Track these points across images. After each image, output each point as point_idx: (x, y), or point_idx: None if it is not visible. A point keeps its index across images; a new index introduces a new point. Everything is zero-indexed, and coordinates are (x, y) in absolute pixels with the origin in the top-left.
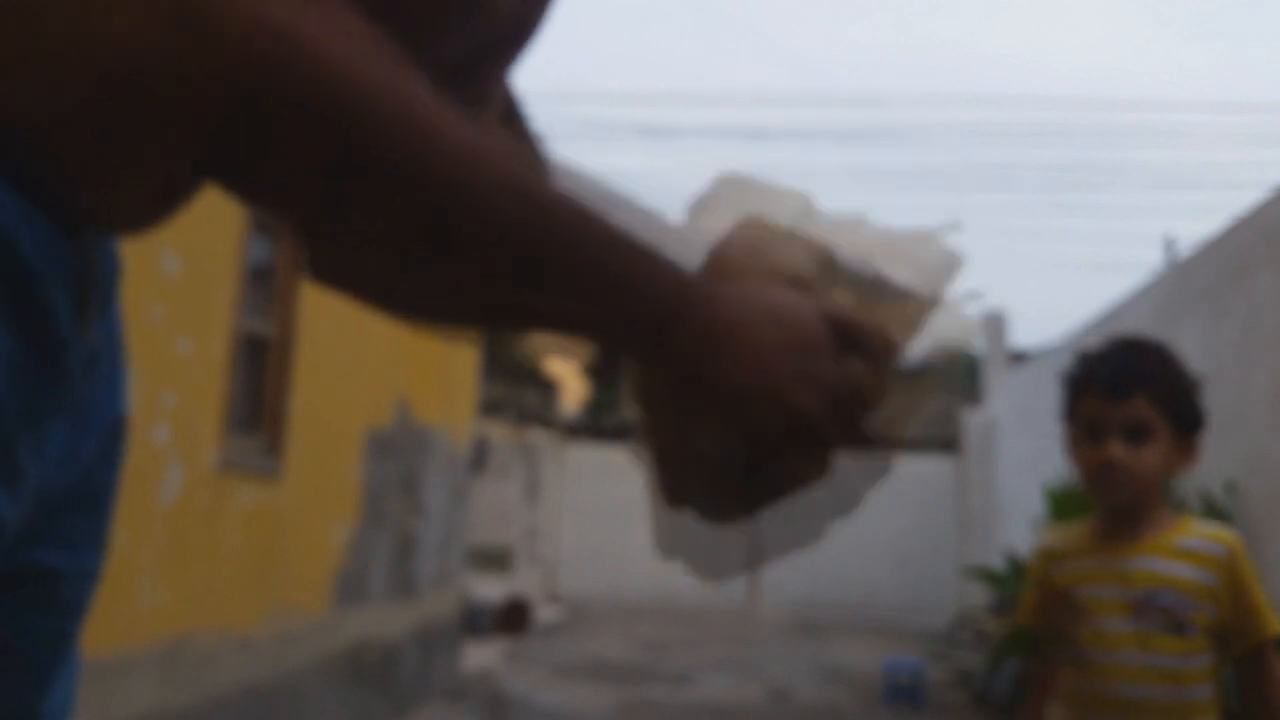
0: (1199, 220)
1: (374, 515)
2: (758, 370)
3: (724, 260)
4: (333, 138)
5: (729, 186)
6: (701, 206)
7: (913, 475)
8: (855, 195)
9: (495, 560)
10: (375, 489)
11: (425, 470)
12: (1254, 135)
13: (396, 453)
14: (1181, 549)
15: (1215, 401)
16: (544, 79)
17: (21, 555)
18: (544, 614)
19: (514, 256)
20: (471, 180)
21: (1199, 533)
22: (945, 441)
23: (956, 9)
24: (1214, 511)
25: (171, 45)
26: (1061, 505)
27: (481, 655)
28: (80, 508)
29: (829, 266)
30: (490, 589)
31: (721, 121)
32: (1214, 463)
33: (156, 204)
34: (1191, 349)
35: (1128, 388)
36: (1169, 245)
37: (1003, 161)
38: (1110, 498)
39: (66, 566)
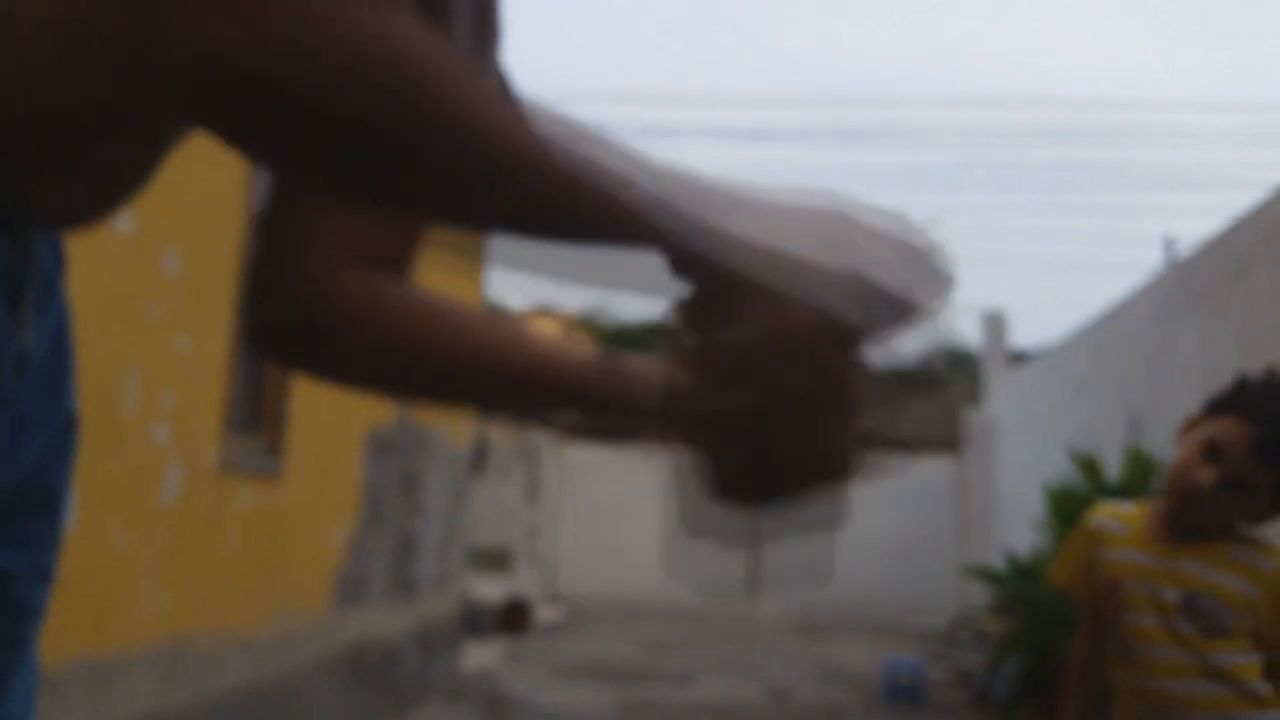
0: (1199, 220)
1: (374, 515)
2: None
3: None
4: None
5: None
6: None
7: (913, 475)
8: (855, 195)
9: (495, 560)
10: (375, 489)
11: (425, 470)
12: (1254, 135)
13: (396, 453)
14: (1231, 559)
15: None
16: (544, 79)
17: None
18: (544, 614)
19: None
20: (509, 146)
21: (1252, 545)
22: (945, 441)
23: (957, 9)
24: None
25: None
26: (1061, 505)
27: (481, 655)
28: (32, 507)
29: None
30: (490, 589)
31: (721, 121)
32: None
33: (103, 196)
34: (1191, 349)
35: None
36: (1169, 245)
37: (1003, 161)
38: (1186, 516)
39: (19, 567)
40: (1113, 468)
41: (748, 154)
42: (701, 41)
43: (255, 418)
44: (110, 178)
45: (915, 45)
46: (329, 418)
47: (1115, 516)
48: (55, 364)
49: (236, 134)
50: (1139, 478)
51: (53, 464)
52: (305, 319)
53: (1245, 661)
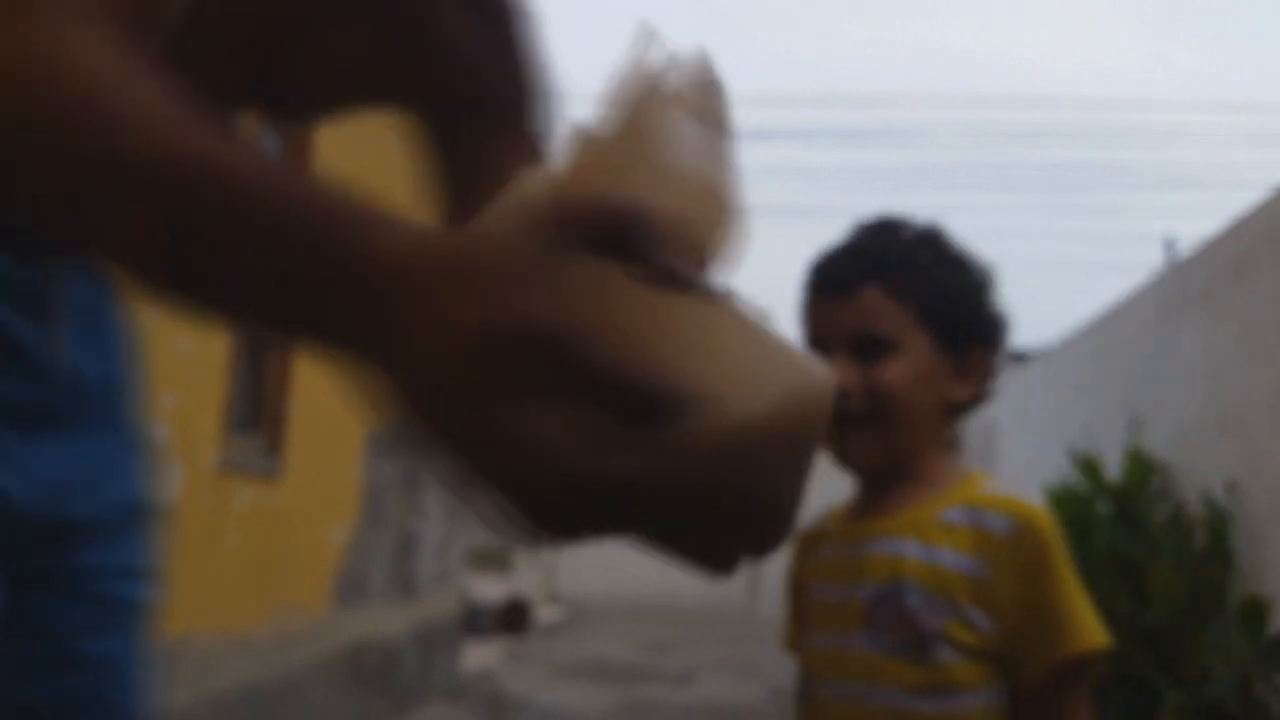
0: (1199, 220)
1: (374, 515)
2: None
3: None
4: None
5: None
6: None
7: None
8: (855, 195)
9: (495, 560)
10: (375, 489)
11: (425, 470)
12: (1254, 135)
13: (396, 453)
14: (943, 524)
15: (1215, 402)
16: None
17: (58, 557)
18: (544, 614)
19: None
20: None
21: (975, 499)
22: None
23: (957, 10)
24: (1214, 512)
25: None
26: (1061, 505)
27: (481, 655)
28: (112, 516)
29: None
30: (490, 589)
31: None
32: (1214, 463)
33: None
34: (1191, 349)
35: (850, 280)
36: (1169, 245)
37: (1002, 161)
38: (842, 447)
39: (104, 563)
40: (1113, 468)
41: (748, 154)
42: (702, 42)
43: (255, 418)
44: None
45: (915, 45)
46: (329, 418)
47: (826, 513)
48: (114, 386)
49: None
50: (1139, 478)
51: (119, 478)
52: None
53: (966, 709)
